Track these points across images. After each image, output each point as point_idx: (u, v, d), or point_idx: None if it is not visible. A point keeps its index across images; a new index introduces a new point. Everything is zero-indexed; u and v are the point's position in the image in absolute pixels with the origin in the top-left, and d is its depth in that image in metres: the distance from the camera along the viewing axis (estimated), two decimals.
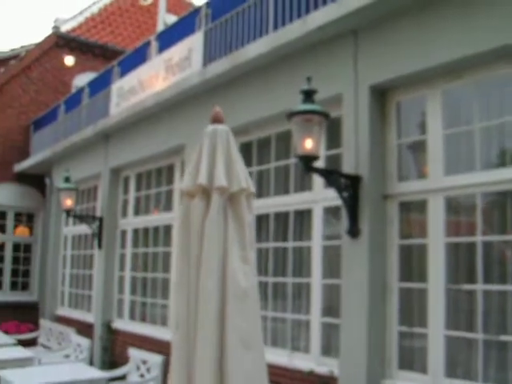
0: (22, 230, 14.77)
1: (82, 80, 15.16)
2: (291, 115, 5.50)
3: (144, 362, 8.35)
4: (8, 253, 14.34)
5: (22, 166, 13.99)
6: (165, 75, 9.12)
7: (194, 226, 3.88)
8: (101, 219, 10.46)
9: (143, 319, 9.55)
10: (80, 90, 12.43)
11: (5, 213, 14.36)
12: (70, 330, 10.75)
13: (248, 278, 3.86)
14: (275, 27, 7.09)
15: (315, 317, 6.41)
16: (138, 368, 8.43)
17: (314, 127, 5.57)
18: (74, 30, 15.35)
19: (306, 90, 5.52)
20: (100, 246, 10.41)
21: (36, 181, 14.37)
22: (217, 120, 4.12)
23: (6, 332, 11.61)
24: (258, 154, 7.57)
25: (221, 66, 7.44)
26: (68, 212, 10.25)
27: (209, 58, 8.25)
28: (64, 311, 12.28)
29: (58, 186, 10.29)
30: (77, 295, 11.97)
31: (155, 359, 8.10)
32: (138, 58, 10.23)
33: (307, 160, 5.57)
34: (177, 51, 8.90)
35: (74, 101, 12.62)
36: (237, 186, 3.87)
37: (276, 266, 7.10)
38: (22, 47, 16.18)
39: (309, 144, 5.56)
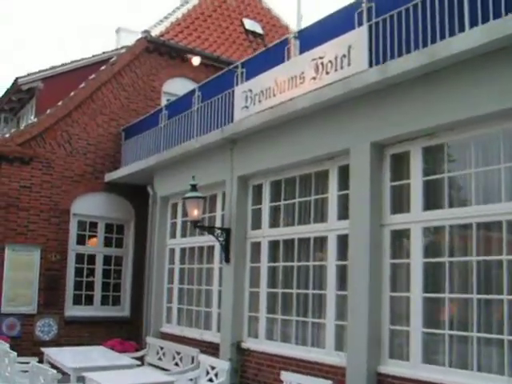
0: (93, 241, 14.07)
1: (171, 86, 14.73)
2: None
3: None
4: (99, 266, 13.73)
5: (115, 174, 13.36)
6: (314, 74, 8.43)
7: None
8: (228, 230, 9.75)
9: (285, 339, 8.80)
10: (188, 94, 11.75)
11: (96, 224, 13.75)
12: (194, 349, 9.99)
13: None
14: (472, 18, 6.43)
15: None
16: None
17: None
18: (162, 35, 14.76)
19: None
20: (228, 259, 9.68)
21: (126, 190, 13.75)
22: None
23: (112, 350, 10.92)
24: (450, 159, 6.86)
25: (411, 62, 6.72)
26: (195, 223, 9.57)
27: (375, 54, 7.60)
28: (171, 329, 11.54)
29: (185, 195, 9.56)
30: (189, 312, 11.23)
31: None
32: (270, 58, 9.57)
33: None
34: (329, 49, 8.22)
35: (178, 106, 11.98)
36: None
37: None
38: (103, 53, 15.63)
39: None
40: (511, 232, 6.12)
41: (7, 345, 9.75)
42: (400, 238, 7.31)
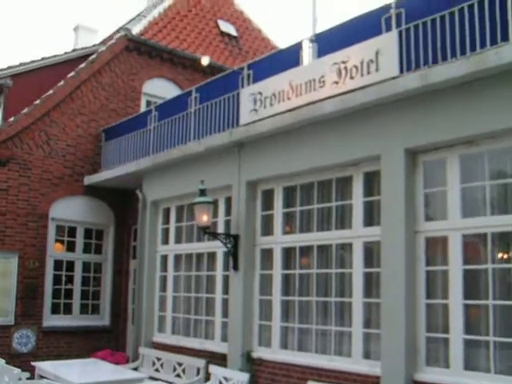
0: (58, 247, 13.38)
1: (150, 87, 14.30)
2: None
3: None
4: (78, 273, 13.11)
5: (97, 177, 12.83)
6: (336, 79, 8.30)
7: None
8: (236, 237, 9.47)
9: (303, 348, 8.59)
10: (182, 96, 11.41)
11: (74, 229, 13.13)
12: (199, 360, 9.62)
13: None
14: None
15: None
16: None
17: None
18: (141, 33, 14.29)
19: None
20: (236, 266, 9.39)
21: (106, 194, 13.24)
22: None
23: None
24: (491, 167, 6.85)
25: (455, 69, 6.68)
26: (204, 229, 9.25)
27: (407, 60, 7.55)
28: (165, 338, 11.08)
29: (193, 200, 9.24)
30: (187, 321, 10.83)
31: None
32: (281, 61, 9.38)
33: None
34: (354, 53, 8.11)
35: (169, 107, 11.59)
36: None
37: None
38: (74, 50, 15.02)
39: None
40: None
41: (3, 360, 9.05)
42: (436, 244, 7.27)
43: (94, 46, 15.12)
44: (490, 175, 6.83)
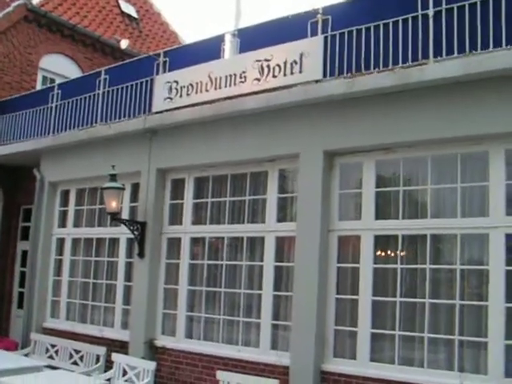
0: None
1: (48, 62, 13.63)
2: None
3: None
4: None
5: None
6: (258, 76, 8.47)
7: None
8: (143, 224, 9.38)
9: (209, 338, 8.70)
10: (89, 76, 11.03)
11: None
12: (99, 347, 9.40)
13: None
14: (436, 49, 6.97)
15: None
16: None
17: None
18: (42, 5, 13.59)
19: None
20: (142, 254, 9.31)
21: None
22: None
23: None
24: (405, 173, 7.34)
25: (382, 80, 7.08)
26: (113, 215, 9.08)
27: (330, 67, 7.86)
28: (58, 324, 10.71)
29: (103, 185, 9.04)
30: (83, 307, 10.54)
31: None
32: (201, 52, 9.37)
33: None
34: (278, 53, 8.31)
35: (74, 86, 11.18)
36: None
37: None
38: None
39: None
40: (464, 244, 6.77)
41: None
42: (348, 243, 7.66)
43: None
44: (403, 181, 7.31)
